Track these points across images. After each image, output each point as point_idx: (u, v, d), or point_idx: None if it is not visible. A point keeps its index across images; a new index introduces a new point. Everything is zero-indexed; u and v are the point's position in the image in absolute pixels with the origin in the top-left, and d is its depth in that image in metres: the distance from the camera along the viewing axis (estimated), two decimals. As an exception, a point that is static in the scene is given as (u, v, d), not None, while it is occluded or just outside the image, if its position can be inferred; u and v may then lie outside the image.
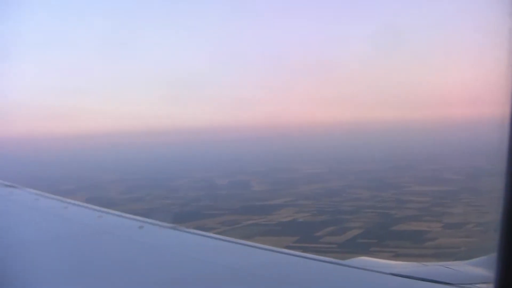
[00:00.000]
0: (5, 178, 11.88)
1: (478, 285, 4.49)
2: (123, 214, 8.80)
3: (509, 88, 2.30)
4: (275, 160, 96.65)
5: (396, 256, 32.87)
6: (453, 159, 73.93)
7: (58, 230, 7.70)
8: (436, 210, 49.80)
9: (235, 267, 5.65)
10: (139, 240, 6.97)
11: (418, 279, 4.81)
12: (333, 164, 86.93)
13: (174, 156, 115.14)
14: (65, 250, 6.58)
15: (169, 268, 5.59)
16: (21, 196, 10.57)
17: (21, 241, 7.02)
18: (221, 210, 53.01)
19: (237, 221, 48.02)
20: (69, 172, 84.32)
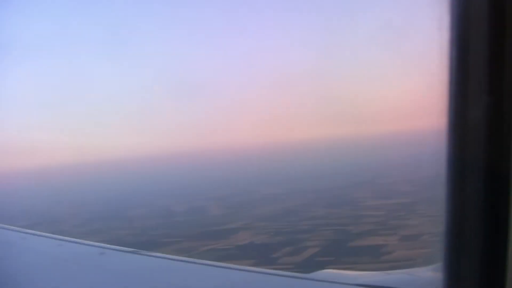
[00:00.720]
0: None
1: None
2: (83, 241, 8.72)
3: (446, 97, 2.33)
4: (233, 184, 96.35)
5: (354, 272, 32.98)
6: (406, 172, 75.06)
7: (16, 260, 7.54)
8: (392, 223, 50.30)
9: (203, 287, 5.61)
10: (102, 266, 6.91)
11: None
12: (290, 184, 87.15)
13: (131, 185, 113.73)
14: (27, 280, 6.45)
15: None
16: None
17: None
18: (177, 237, 52.53)
19: (194, 247, 47.61)
20: (23, 207, 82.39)
